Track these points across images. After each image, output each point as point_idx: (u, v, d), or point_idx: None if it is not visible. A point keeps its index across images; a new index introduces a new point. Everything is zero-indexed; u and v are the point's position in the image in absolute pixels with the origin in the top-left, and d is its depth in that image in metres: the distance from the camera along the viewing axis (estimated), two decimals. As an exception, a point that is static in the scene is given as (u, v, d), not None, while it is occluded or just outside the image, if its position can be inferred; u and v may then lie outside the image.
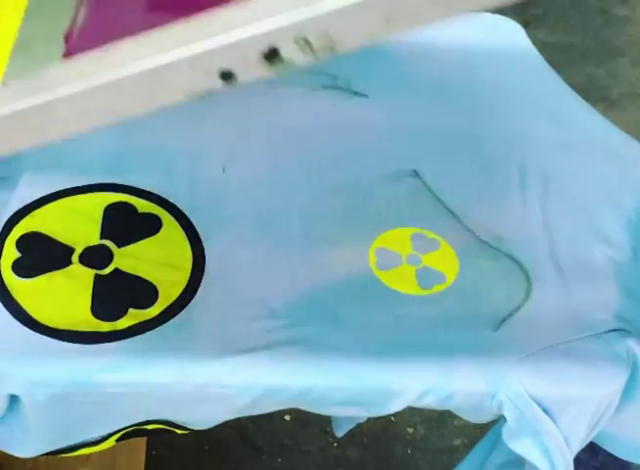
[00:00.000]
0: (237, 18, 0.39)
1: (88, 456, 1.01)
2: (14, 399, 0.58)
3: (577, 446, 0.59)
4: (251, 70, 0.40)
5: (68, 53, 0.46)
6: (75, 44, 0.47)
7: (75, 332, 0.59)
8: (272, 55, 0.39)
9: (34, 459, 0.68)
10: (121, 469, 1.09)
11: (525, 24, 0.92)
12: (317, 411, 0.61)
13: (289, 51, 0.39)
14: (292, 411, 0.63)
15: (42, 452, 0.63)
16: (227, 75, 0.41)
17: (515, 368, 0.57)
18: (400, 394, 0.57)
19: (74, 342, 0.59)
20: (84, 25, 0.49)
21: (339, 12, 0.37)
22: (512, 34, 0.85)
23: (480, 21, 0.88)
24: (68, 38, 0.49)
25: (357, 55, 0.44)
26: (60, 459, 0.73)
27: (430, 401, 0.58)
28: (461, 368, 0.57)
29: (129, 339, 0.59)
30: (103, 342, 0.59)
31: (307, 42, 0.39)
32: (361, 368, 0.57)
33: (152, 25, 0.45)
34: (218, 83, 0.41)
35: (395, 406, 0.58)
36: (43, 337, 0.59)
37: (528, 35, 0.85)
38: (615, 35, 2.00)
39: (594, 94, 1.79)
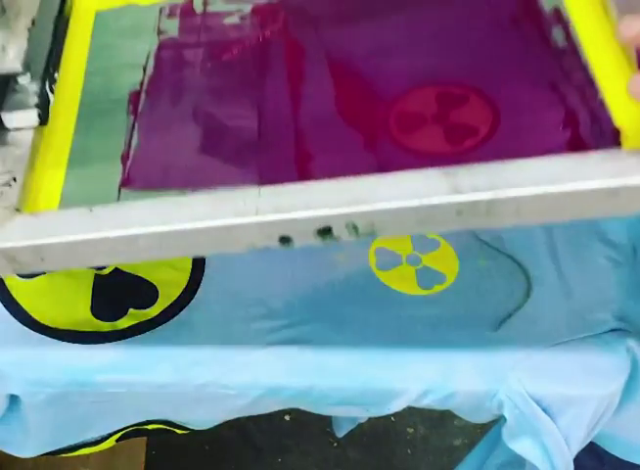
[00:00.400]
0: (303, 199, 0.48)
1: (88, 456, 1.01)
2: (14, 399, 0.58)
3: (577, 445, 0.59)
4: (306, 239, 0.48)
5: (128, 177, 0.54)
6: (133, 168, 0.54)
7: (75, 332, 0.59)
8: (325, 232, 0.48)
9: (34, 459, 0.68)
10: (121, 469, 1.09)
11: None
12: (317, 411, 0.61)
13: (339, 231, 0.48)
14: (292, 411, 0.63)
15: (42, 452, 0.64)
16: (285, 240, 0.49)
17: (515, 368, 0.57)
18: (400, 394, 0.57)
19: (74, 342, 0.59)
20: (139, 150, 0.56)
21: (385, 212, 0.47)
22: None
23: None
24: (124, 160, 0.55)
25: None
26: (60, 459, 0.73)
27: (430, 401, 0.58)
28: (461, 368, 0.57)
29: (129, 339, 0.59)
30: (103, 342, 0.59)
31: (355, 227, 0.48)
32: (361, 368, 0.57)
33: (202, 166, 0.54)
34: (276, 244, 0.49)
35: (395, 406, 0.58)
36: (43, 337, 0.59)
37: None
38: (615, 35, 1.99)
39: (594, 94, 1.78)
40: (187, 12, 0.66)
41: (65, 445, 0.64)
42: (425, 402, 0.58)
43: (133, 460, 1.11)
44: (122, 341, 0.59)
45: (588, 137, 0.51)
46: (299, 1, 0.65)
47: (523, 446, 0.59)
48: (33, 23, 0.55)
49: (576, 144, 0.50)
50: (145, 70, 0.62)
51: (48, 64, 0.57)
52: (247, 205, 0.48)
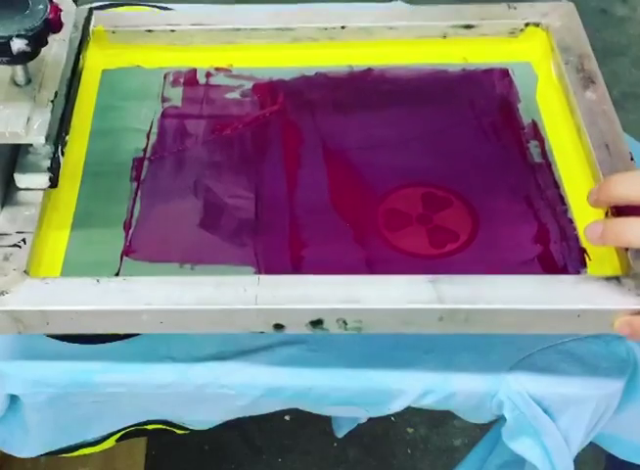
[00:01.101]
0: (299, 292, 0.52)
1: (88, 456, 1.01)
2: (14, 399, 0.58)
3: (577, 446, 0.59)
4: (299, 328, 0.52)
5: (130, 247, 0.57)
6: (135, 238, 0.58)
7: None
8: (317, 323, 0.52)
9: (34, 459, 0.68)
10: (121, 469, 1.09)
11: (525, 25, 0.92)
12: (317, 411, 0.61)
13: (329, 324, 0.52)
14: (292, 411, 0.63)
15: (42, 452, 0.64)
16: (279, 327, 0.52)
17: (515, 368, 0.57)
18: (400, 394, 0.57)
19: (74, 342, 0.59)
20: (141, 219, 0.59)
21: (373, 311, 0.51)
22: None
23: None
24: (126, 227, 0.58)
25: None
26: (60, 459, 0.73)
27: (430, 401, 0.58)
28: (461, 368, 0.57)
29: (129, 339, 0.59)
30: (103, 342, 0.59)
31: (345, 322, 0.52)
32: (361, 368, 0.57)
33: (201, 242, 0.57)
34: (270, 330, 0.52)
35: (395, 406, 0.58)
36: (43, 337, 0.59)
37: (528, 35, 0.85)
38: (615, 35, 1.99)
39: (594, 94, 1.78)
40: (190, 82, 0.69)
41: (65, 445, 0.64)
42: (425, 403, 0.58)
43: (133, 460, 1.11)
44: (122, 341, 0.59)
45: (557, 253, 0.57)
46: (298, 83, 0.69)
47: (523, 446, 0.59)
48: (56, 95, 0.57)
49: (546, 259, 0.56)
50: (148, 136, 0.65)
51: (61, 127, 0.59)
52: (247, 292, 0.51)
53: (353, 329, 0.52)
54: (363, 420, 0.81)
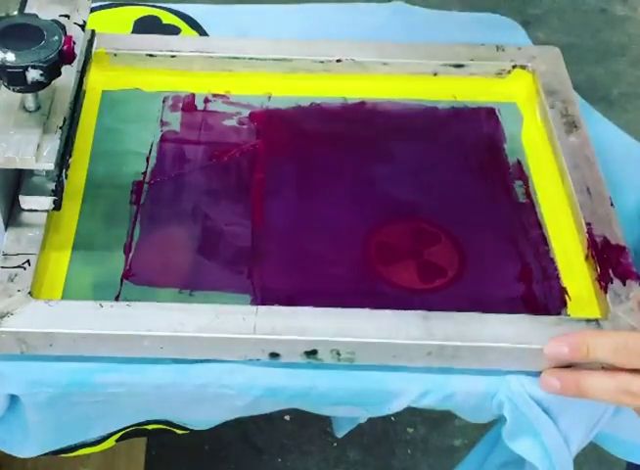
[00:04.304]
0: (296, 324, 0.54)
1: (88, 456, 1.01)
2: (14, 399, 0.58)
3: (577, 446, 0.59)
4: (293, 357, 0.54)
5: (130, 270, 0.59)
6: (135, 262, 0.59)
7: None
8: (311, 353, 0.54)
9: (34, 459, 0.68)
10: (121, 469, 1.09)
11: (525, 24, 0.92)
12: (317, 412, 0.61)
13: (323, 354, 0.54)
14: (292, 411, 0.63)
15: (42, 452, 0.63)
16: (275, 355, 0.54)
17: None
18: (400, 394, 0.57)
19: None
20: (140, 243, 0.60)
21: (366, 344, 0.54)
22: (512, 34, 0.85)
23: (480, 20, 0.88)
24: (126, 250, 0.60)
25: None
26: (60, 459, 0.73)
27: (430, 401, 0.58)
28: (461, 368, 0.57)
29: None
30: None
31: (338, 353, 0.54)
32: (361, 368, 0.57)
33: (199, 268, 0.59)
34: (266, 358, 0.54)
35: (396, 406, 0.58)
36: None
37: (528, 35, 0.85)
38: (615, 35, 2.00)
39: (594, 94, 1.79)
40: (189, 107, 0.71)
41: (65, 445, 0.64)
42: (425, 403, 0.58)
43: (133, 460, 1.11)
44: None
45: (540, 293, 0.60)
46: (293, 113, 0.70)
47: (523, 446, 0.59)
48: (64, 121, 0.57)
49: (529, 298, 0.59)
50: (148, 160, 0.66)
51: (65, 150, 0.59)
52: (246, 322, 0.54)
53: (346, 360, 0.54)
54: (363, 420, 0.81)
